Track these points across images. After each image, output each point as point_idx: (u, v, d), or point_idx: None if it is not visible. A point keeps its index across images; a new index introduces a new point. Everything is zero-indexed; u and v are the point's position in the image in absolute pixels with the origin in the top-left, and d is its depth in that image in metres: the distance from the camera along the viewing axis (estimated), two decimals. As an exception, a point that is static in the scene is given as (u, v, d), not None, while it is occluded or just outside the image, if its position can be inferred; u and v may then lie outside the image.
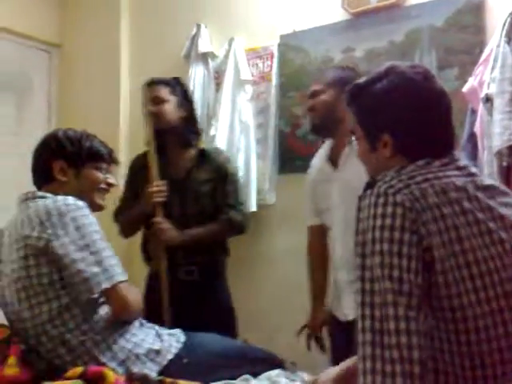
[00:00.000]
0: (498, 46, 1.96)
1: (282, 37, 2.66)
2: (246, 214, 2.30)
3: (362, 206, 1.03)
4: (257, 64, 2.72)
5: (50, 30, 3.31)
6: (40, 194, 1.51)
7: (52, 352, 1.41)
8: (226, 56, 2.74)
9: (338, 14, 2.51)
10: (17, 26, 3.12)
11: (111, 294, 1.42)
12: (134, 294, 1.49)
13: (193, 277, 2.14)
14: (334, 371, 1.32)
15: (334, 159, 1.94)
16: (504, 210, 1.05)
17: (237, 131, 2.66)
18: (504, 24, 1.96)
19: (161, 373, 1.43)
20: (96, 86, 3.17)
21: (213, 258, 2.21)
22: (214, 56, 2.83)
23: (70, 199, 1.45)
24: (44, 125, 3.22)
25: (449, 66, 2.21)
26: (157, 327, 1.56)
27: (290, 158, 2.62)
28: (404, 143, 1.11)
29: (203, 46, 2.81)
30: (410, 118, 1.10)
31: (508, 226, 1.03)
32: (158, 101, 2.17)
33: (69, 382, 1.25)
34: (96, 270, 1.39)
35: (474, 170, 1.11)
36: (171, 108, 2.18)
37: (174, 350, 1.48)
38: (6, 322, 1.52)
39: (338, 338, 1.96)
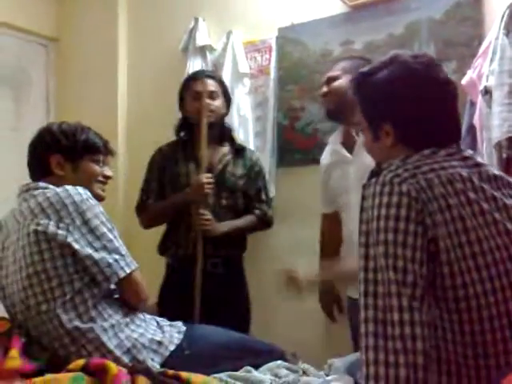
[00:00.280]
0: (497, 38, 1.95)
1: (280, 30, 2.65)
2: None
3: (366, 194, 1.02)
4: (255, 57, 2.71)
5: (47, 24, 3.29)
6: (43, 184, 1.51)
7: (56, 341, 1.41)
8: (224, 49, 2.73)
9: (337, 7, 2.50)
10: (14, 20, 3.10)
11: (128, 281, 1.46)
12: (145, 283, 1.52)
13: (217, 269, 2.22)
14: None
15: (348, 145, 1.97)
16: (509, 201, 1.05)
17: (235, 124, 2.66)
18: (502, 16, 1.95)
19: (163, 364, 1.44)
20: (94, 79, 3.16)
21: (234, 252, 2.30)
22: (211, 49, 2.82)
23: (80, 188, 1.47)
24: (42, 119, 3.20)
25: (447, 58, 2.21)
26: (158, 318, 1.57)
27: (289, 151, 2.62)
28: (405, 133, 1.11)
29: (201, 39, 2.80)
30: (411, 107, 1.10)
31: None
32: (213, 96, 2.27)
33: (71, 374, 1.25)
34: (114, 258, 1.43)
35: (479, 159, 1.10)
36: (221, 104, 2.30)
37: (176, 341, 1.50)
38: (6, 316, 1.53)
39: (356, 317, 1.99)
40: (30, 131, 1.73)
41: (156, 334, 1.49)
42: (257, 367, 1.49)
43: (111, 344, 1.42)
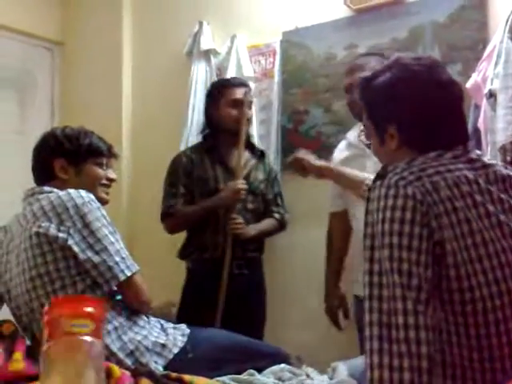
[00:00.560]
0: (502, 41, 1.95)
1: (284, 33, 2.65)
2: None
3: (371, 197, 1.02)
4: (259, 61, 2.72)
5: (52, 28, 3.31)
6: (47, 189, 1.52)
7: None
8: (229, 53, 2.74)
9: (341, 11, 2.51)
10: (19, 24, 3.12)
11: (128, 284, 1.47)
12: (146, 286, 1.52)
13: (242, 270, 2.27)
14: None
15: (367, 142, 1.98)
16: None
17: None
18: (507, 20, 1.95)
19: (166, 367, 1.44)
20: (98, 83, 3.17)
21: (256, 254, 2.35)
22: (216, 53, 2.82)
23: (83, 192, 1.47)
24: (47, 122, 3.22)
25: (452, 61, 2.21)
26: (162, 321, 1.57)
27: (293, 153, 2.61)
28: (409, 135, 1.10)
29: (205, 43, 2.80)
30: (414, 110, 1.09)
31: None
32: (251, 105, 2.34)
33: (75, 376, 1.25)
34: (114, 261, 1.43)
35: (488, 160, 1.09)
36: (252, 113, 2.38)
37: (180, 344, 1.50)
38: (11, 318, 1.53)
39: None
40: (34, 134, 1.74)
41: (160, 336, 1.50)
42: (260, 370, 1.48)
43: (114, 346, 1.42)
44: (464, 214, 0.99)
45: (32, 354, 1.38)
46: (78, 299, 1.00)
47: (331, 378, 1.47)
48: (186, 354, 1.48)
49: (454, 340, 0.96)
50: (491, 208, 1.01)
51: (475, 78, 2.05)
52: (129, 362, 1.41)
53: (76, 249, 1.41)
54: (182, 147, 2.66)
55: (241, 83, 2.33)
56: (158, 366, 1.44)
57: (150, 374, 1.31)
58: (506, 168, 1.10)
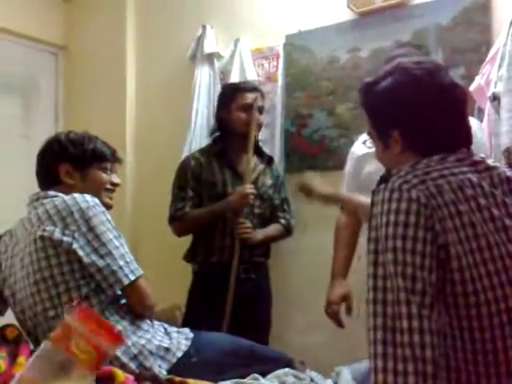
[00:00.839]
0: (505, 44, 1.95)
1: (287, 37, 2.66)
2: None
3: (375, 200, 1.01)
4: (262, 64, 2.72)
5: (56, 32, 3.32)
6: (52, 193, 1.53)
7: None
8: (232, 56, 2.74)
9: (344, 14, 2.51)
10: (24, 28, 3.13)
11: (132, 288, 1.47)
12: (150, 290, 1.52)
13: (249, 274, 2.27)
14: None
15: None
16: None
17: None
18: (511, 22, 1.95)
19: (170, 371, 1.44)
20: (102, 87, 3.18)
21: (262, 258, 2.36)
22: (219, 56, 2.83)
23: (88, 196, 1.47)
24: (51, 126, 3.23)
25: (455, 64, 2.21)
26: (165, 325, 1.57)
27: (296, 157, 2.62)
28: (412, 140, 1.10)
29: (209, 46, 2.81)
30: (416, 114, 1.09)
31: None
32: (262, 110, 2.33)
33: (78, 381, 1.25)
34: (118, 265, 1.43)
35: (492, 163, 1.09)
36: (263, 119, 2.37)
37: (183, 348, 1.49)
38: (15, 322, 1.53)
39: None
40: (39, 138, 1.75)
41: (163, 340, 1.49)
42: (264, 375, 1.48)
43: (118, 350, 1.42)
44: (468, 217, 0.98)
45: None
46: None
47: (335, 383, 1.46)
48: (189, 358, 1.48)
49: (458, 344, 0.96)
50: (496, 211, 1.01)
51: (479, 80, 2.05)
52: (133, 365, 1.41)
53: (80, 253, 1.41)
54: (186, 151, 2.67)
55: (253, 88, 2.33)
56: (161, 369, 1.44)
57: (154, 379, 1.31)
58: (510, 170, 1.10)
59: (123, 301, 1.52)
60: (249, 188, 2.20)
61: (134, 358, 1.43)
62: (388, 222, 0.97)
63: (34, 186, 1.63)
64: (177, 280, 2.43)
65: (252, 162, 2.33)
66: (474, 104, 2.07)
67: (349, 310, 2.05)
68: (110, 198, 1.65)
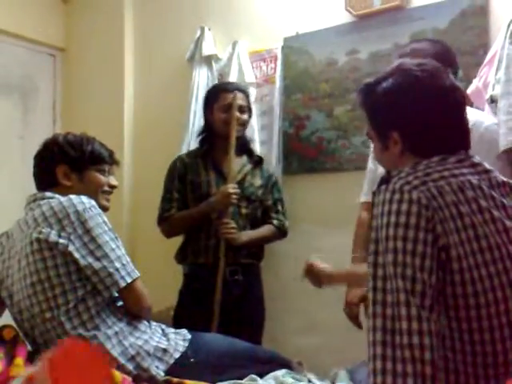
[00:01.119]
0: (503, 47, 1.95)
1: (285, 39, 2.66)
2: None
3: (376, 201, 1.01)
4: (261, 66, 2.73)
5: (54, 34, 3.32)
6: (49, 194, 1.52)
7: None
8: (230, 59, 2.75)
9: (342, 17, 2.51)
10: (22, 30, 3.13)
11: (129, 291, 1.46)
12: (147, 291, 1.52)
13: (236, 277, 2.25)
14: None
15: None
16: None
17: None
18: (508, 25, 1.95)
19: (167, 372, 1.44)
20: (100, 89, 3.18)
21: (253, 260, 2.32)
22: (217, 59, 2.83)
23: (84, 198, 1.47)
24: (49, 128, 3.23)
25: (453, 67, 2.21)
26: (163, 326, 1.57)
27: (294, 159, 2.62)
28: (412, 141, 1.10)
29: (207, 48, 2.81)
30: (417, 116, 1.09)
31: None
32: (243, 109, 2.31)
33: (76, 382, 1.24)
34: (115, 267, 1.43)
35: (488, 166, 1.10)
36: (248, 118, 2.35)
37: (181, 349, 1.49)
38: (12, 323, 1.53)
39: None
40: (36, 139, 1.74)
41: (161, 341, 1.49)
42: (262, 375, 1.48)
43: (115, 351, 1.41)
44: (470, 218, 0.98)
45: (33, 359, 1.38)
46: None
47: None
48: (187, 359, 1.48)
49: (457, 347, 0.96)
50: (496, 213, 1.01)
51: (476, 83, 2.05)
52: (130, 366, 1.41)
53: (76, 255, 1.41)
54: (184, 152, 2.67)
55: (235, 88, 2.33)
56: (159, 370, 1.43)
57: (152, 380, 1.31)
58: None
59: (120, 302, 1.51)
60: (231, 188, 2.19)
61: (132, 359, 1.42)
62: (389, 223, 0.97)
63: (31, 187, 1.62)
64: (174, 281, 2.42)
65: (239, 162, 2.33)
66: (471, 106, 2.08)
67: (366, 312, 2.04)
68: (108, 200, 1.65)
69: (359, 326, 2.03)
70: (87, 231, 1.43)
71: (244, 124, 2.32)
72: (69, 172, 1.57)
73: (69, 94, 3.36)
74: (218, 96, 2.32)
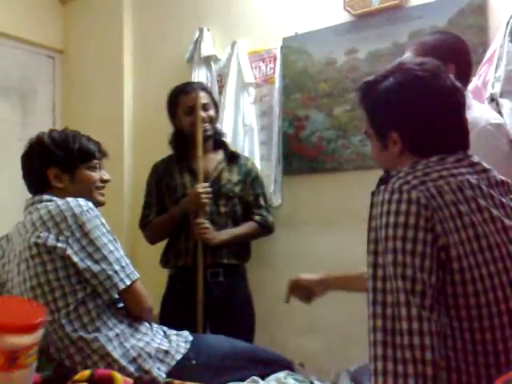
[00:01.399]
0: (502, 45, 1.95)
1: (284, 39, 2.66)
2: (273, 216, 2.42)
3: (375, 202, 1.01)
4: (260, 67, 2.72)
5: (53, 36, 3.32)
6: (46, 197, 1.52)
7: (62, 351, 1.41)
8: (229, 59, 2.75)
9: (341, 16, 2.51)
10: (21, 32, 3.13)
11: (129, 292, 1.46)
12: (147, 292, 1.51)
13: (218, 278, 2.22)
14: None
15: None
16: None
17: (241, 134, 2.67)
18: (507, 23, 1.95)
19: (169, 374, 1.43)
20: (99, 90, 3.18)
21: (237, 261, 2.29)
22: (216, 59, 2.83)
23: (81, 200, 1.46)
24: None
25: (452, 66, 2.20)
26: (164, 328, 1.57)
27: (294, 159, 2.62)
28: (412, 141, 1.10)
29: (206, 49, 2.81)
30: (417, 115, 1.09)
31: None
32: (207, 107, 2.30)
33: (77, 385, 1.24)
34: (114, 269, 1.43)
35: (487, 165, 1.09)
36: (214, 114, 2.33)
37: (183, 351, 1.49)
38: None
39: None
40: (36, 142, 1.73)
41: (162, 343, 1.49)
42: (264, 377, 1.48)
43: (116, 353, 1.41)
44: (469, 218, 0.98)
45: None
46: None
47: (335, 384, 1.46)
48: (188, 361, 1.47)
49: (459, 346, 0.95)
50: (495, 212, 1.01)
51: (476, 82, 2.05)
52: (131, 368, 1.41)
53: (75, 258, 1.40)
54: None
55: (194, 88, 2.31)
56: (160, 372, 1.43)
57: (153, 382, 1.30)
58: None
59: (120, 304, 1.51)
60: (200, 188, 2.17)
61: (133, 360, 1.42)
62: (388, 224, 0.97)
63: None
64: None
65: (216, 159, 2.32)
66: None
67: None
68: (102, 195, 1.64)
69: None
70: (85, 234, 1.42)
71: (212, 120, 2.30)
72: (60, 174, 1.55)
73: (68, 95, 3.36)
74: (179, 100, 2.31)
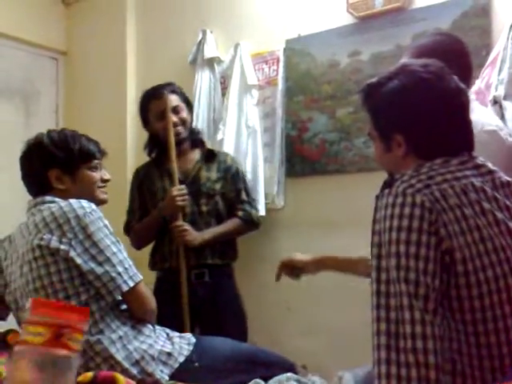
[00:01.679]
0: (505, 48, 1.95)
1: (287, 41, 2.66)
2: (258, 211, 2.39)
3: (379, 205, 1.01)
4: (263, 69, 2.73)
5: (56, 38, 3.33)
6: (49, 198, 1.51)
7: None
8: (232, 61, 2.75)
9: (344, 18, 2.51)
10: (24, 33, 3.14)
11: (132, 294, 1.46)
12: (150, 294, 1.52)
13: (203, 279, 2.20)
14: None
15: None
16: None
17: (244, 136, 2.67)
18: (511, 26, 1.95)
19: (172, 376, 1.43)
20: (103, 92, 3.18)
21: (223, 261, 2.26)
22: (220, 61, 2.84)
23: (84, 202, 1.46)
24: (51, 131, 3.23)
25: (455, 68, 2.20)
26: (167, 330, 1.57)
27: (297, 161, 2.62)
28: (417, 143, 1.09)
29: (209, 51, 2.82)
30: (422, 118, 1.08)
31: None
32: (178, 109, 2.26)
33: (80, 387, 1.24)
34: (117, 271, 1.43)
35: (492, 167, 1.09)
36: (186, 114, 2.29)
37: (186, 353, 1.49)
38: (16, 327, 1.53)
39: None
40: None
41: (165, 345, 1.49)
42: (266, 379, 1.48)
43: (119, 356, 1.41)
44: (474, 221, 0.98)
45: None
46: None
47: (337, 387, 1.46)
48: (191, 363, 1.47)
49: (464, 350, 0.95)
50: (499, 215, 1.01)
51: (479, 84, 2.05)
52: (134, 371, 1.41)
53: (78, 260, 1.40)
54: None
55: (163, 92, 2.26)
56: (163, 375, 1.43)
57: (156, 384, 1.30)
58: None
59: (124, 306, 1.51)
60: (175, 190, 2.14)
61: (136, 363, 1.42)
62: (391, 227, 0.97)
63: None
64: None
65: (194, 158, 2.30)
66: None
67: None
68: (105, 193, 1.64)
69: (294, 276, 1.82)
70: (88, 236, 1.42)
71: (184, 122, 2.26)
72: (61, 175, 1.55)
73: (71, 97, 3.37)
74: (149, 106, 2.29)
